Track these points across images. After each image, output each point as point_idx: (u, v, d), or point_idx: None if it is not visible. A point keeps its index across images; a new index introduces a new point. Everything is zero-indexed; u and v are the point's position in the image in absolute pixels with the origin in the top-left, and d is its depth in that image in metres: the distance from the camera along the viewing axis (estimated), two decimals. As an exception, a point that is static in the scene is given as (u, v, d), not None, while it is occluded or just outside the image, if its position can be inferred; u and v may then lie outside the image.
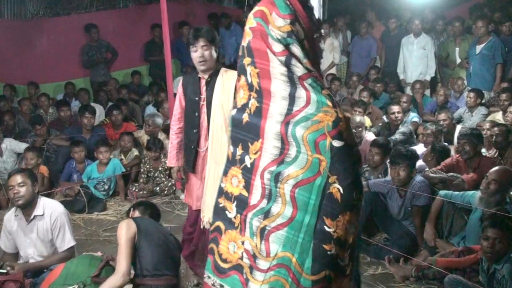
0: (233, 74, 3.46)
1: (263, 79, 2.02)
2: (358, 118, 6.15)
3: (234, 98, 2.51)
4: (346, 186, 1.92)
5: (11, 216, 3.96)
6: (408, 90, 8.42)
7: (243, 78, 2.11)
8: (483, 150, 5.35)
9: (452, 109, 7.15)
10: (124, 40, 9.56)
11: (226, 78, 3.54)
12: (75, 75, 9.31)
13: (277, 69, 1.99)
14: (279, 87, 1.98)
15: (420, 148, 5.68)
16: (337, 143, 1.90)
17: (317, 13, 3.78)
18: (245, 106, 2.08)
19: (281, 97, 1.97)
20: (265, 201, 1.97)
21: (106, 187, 6.16)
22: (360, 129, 6.02)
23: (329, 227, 1.92)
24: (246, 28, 2.10)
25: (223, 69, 3.61)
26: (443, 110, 6.45)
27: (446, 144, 5.58)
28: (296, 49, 2.02)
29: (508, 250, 3.46)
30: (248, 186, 2.03)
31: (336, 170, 1.90)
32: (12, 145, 6.54)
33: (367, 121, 6.83)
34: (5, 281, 3.49)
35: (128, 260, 3.20)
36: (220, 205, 2.14)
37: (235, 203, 2.07)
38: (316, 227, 1.91)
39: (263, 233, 1.97)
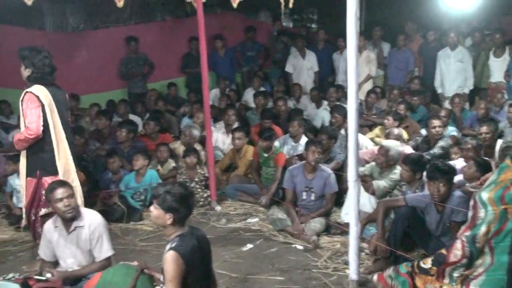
0: None
1: None
2: (396, 131, 6.06)
3: None
4: None
5: (51, 226, 4.02)
6: (446, 104, 8.26)
7: None
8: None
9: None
10: (162, 52, 9.69)
11: None
12: (113, 87, 9.49)
13: None
14: None
15: (459, 163, 5.55)
16: None
17: (354, 25, 3.78)
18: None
19: None
20: (465, 260, 2.56)
21: (143, 197, 6.23)
22: (398, 141, 5.93)
23: None
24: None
25: None
26: (485, 123, 6.01)
27: (487, 158, 5.43)
28: None
29: None
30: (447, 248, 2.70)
31: None
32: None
33: (404, 134, 6.73)
34: (45, 288, 3.57)
35: None
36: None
37: (430, 258, 2.75)
38: (509, 262, 2.44)
39: (464, 281, 2.55)
